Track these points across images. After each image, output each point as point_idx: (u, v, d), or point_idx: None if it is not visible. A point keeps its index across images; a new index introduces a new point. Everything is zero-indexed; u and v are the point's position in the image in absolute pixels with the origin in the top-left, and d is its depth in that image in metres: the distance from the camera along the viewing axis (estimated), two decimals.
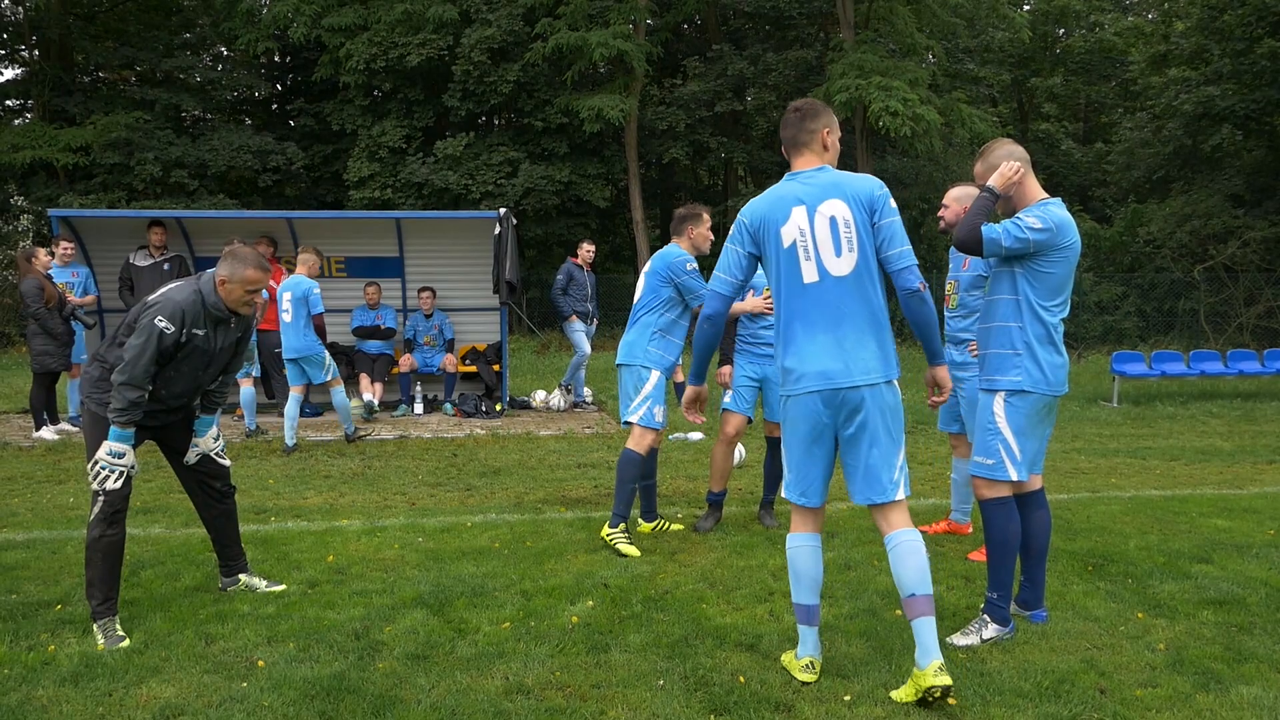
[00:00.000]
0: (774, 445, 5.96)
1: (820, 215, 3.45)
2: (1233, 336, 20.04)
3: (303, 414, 10.63)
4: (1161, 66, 24.22)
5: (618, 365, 5.62)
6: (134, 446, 4.07)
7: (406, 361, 10.92)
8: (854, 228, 3.43)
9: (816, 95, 21.03)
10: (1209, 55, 22.23)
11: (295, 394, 8.72)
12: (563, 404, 11.36)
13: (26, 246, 9.32)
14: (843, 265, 3.44)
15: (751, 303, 5.60)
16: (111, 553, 4.05)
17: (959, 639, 3.93)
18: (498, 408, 10.91)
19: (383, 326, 11.03)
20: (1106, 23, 29.69)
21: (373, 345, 11.00)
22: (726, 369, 5.85)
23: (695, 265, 5.53)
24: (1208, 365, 13.22)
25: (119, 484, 4.01)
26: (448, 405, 10.95)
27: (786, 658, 3.68)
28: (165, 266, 9.93)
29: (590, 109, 20.74)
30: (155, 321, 3.98)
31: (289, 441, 8.57)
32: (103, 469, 3.99)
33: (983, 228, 3.81)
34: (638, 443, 5.45)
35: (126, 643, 3.91)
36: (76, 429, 9.40)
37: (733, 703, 3.36)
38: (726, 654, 3.81)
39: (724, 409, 5.88)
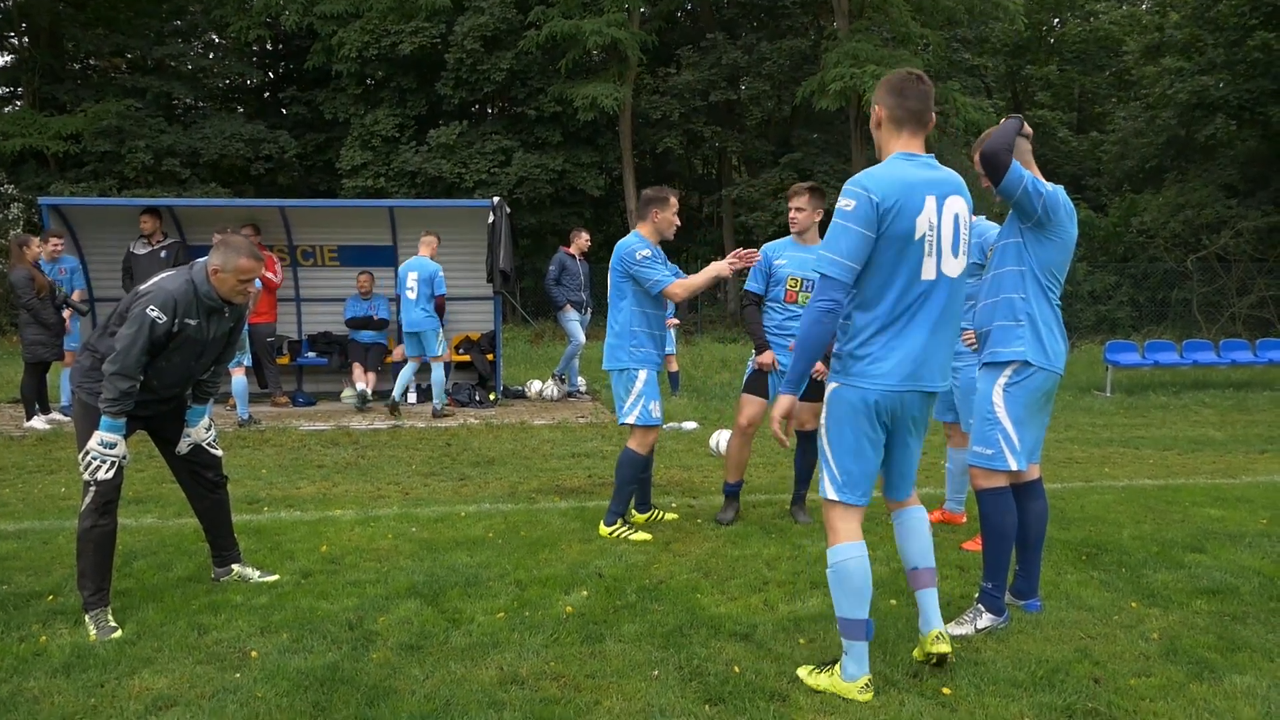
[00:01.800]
0: (805, 438, 5.83)
1: (947, 210, 3.29)
2: (1225, 326, 20.09)
3: (295, 404, 10.63)
4: (1155, 56, 24.22)
5: (605, 370, 5.54)
6: (125, 436, 4.05)
7: (400, 351, 10.89)
8: (968, 230, 3.38)
9: (811, 84, 21.00)
10: (1203, 45, 22.23)
11: (412, 363, 9.88)
12: (555, 393, 11.35)
13: (19, 234, 9.26)
14: (955, 266, 3.33)
15: (717, 267, 5.35)
16: (103, 543, 4.02)
17: (954, 628, 3.92)
18: (491, 397, 10.89)
19: (375, 317, 11.00)
20: (1102, 10, 29.66)
21: (366, 335, 10.96)
22: (769, 355, 5.61)
23: (650, 253, 5.35)
24: (1200, 355, 13.26)
25: (110, 474, 3.99)
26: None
27: (828, 680, 3.38)
28: (163, 254, 9.87)
29: (584, 98, 20.67)
30: (147, 311, 3.95)
31: (395, 396, 9.83)
32: (94, 459, 3.97)
33: (1013, 164, 3.79)
34: (639, 442, 5.42)
35: (118, 633, 3.89)
36: (69, 418, 9.36)
37: (727, 692, 3.36)
38: (721, 644, 3.81)
39: (743, 393, 5.74)
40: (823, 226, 5.74)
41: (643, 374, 5.37)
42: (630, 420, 5.38)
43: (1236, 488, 6.84)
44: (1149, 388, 13.01)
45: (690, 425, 9.48)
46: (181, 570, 4.74)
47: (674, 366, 11.32)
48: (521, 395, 11.57)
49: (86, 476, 3.98)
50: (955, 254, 3.32)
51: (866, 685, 3.33)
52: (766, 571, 4.76)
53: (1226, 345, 13.54)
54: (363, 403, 10.23)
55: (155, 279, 4.12)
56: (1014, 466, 3.94)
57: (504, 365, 13.11)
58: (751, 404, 5.72)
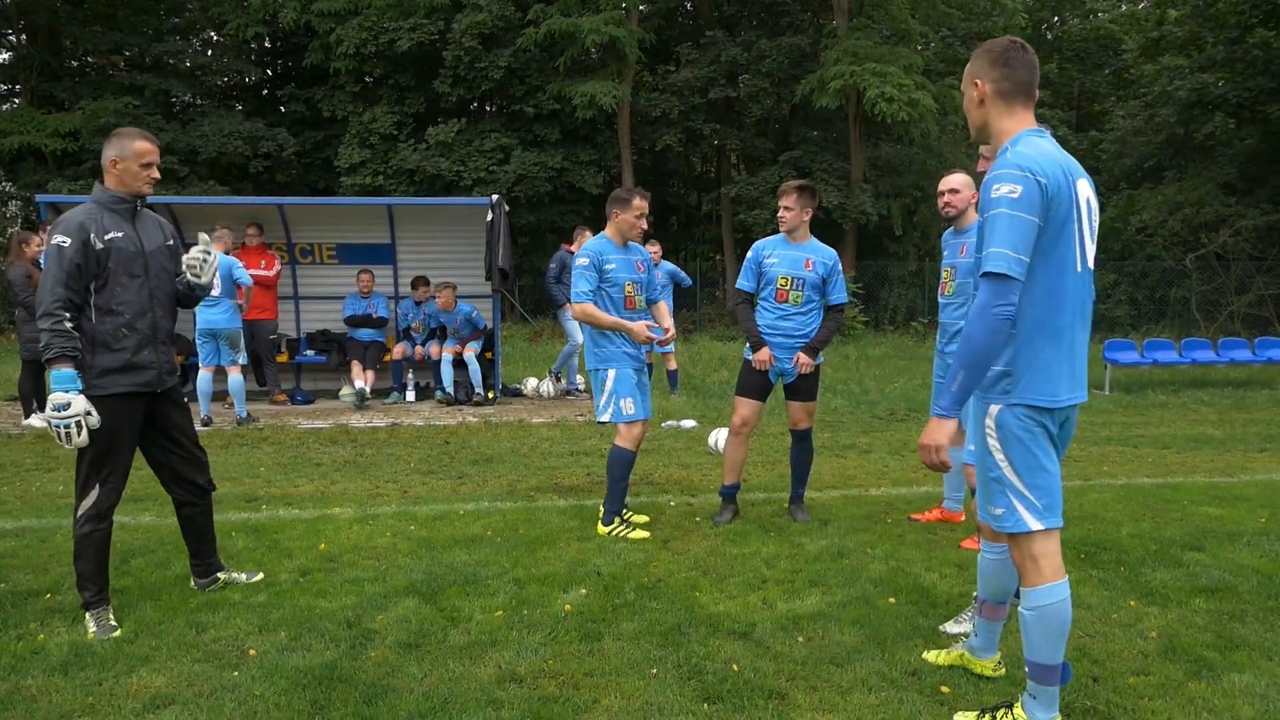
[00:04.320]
0: (798, 437, 5.82)
1: (1082, 193, 2.93)
2: (1224, 325, 20.11)
3: (293, 402, 10.63)
4: (1155, 54, 24.22)
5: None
6: (129, 420, 3.97)
7: (399, 349, 10.88)
8: (1096, 215, 3.02)
9: (810, 82, 20.98)
10: (1202, 43, 22.22)
11: (448, 355, 10.70)
12: (551, 391, 11.35)
13: (20, 232, 9.26)
14: (1091, 256, 2.98)
15: (634, 328, 5.36)
16: (102, 546, 4.01)
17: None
18: (490, 395, 10.89)
19: (374, 315, 10.99)
20: (1101, 9, 29.66)
21: (364, 333, 10.96)
22: (765, 352, 5.55)
23: (588, 261, 5.36)
24: (1199, 353, 13.26)
25: (83, 438, 3.81)
26: (439, 392, 10.93)
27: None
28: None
29: (583, 95, 20.65)
30: (52, 241, 3.88)
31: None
32: (56, 426, 3.78)
33: None
34: (624, 439, 5.44)
35: (118, 632, 3.89)
36: None
37: (726, 691, 3.36)
38: (720, 642, 3.81)
39: (736, 395, 5.71)
40: (814, 225, 5.77)
41: (611, 373, 5.41)
42: (605, 419, 5.45)
43: (1235, 486, 6.84)
44: (1147, 386, 13.01)
45: (689, 423, 9.47)
46: (180, 568, 4.73)
47: (672, 365, 11.31)
48: (519, 393, 11.57)
49: (68, 447, 3.82)
50: (1092, 241, 3.00)
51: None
52: (765, 570, 4.75)
53: (1225, 344, 13.54)
54: (361, 401, 10.22)
55: None
56: None
57: (502, 363, 13.10)
58: (745, 405, 5.69)
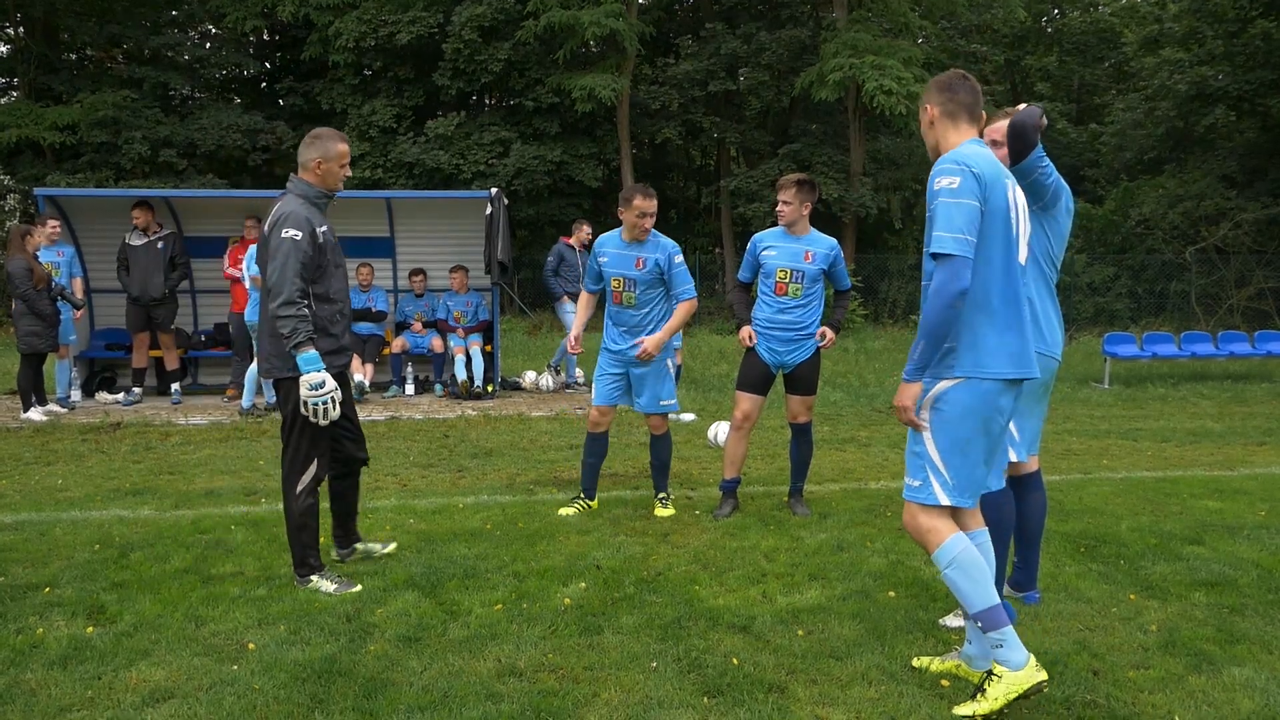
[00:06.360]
0: (798, 431, 5.84)
1: (1017, 196, 3.30)
2: (1223, 318, 20.08)
3: None
4: (1155, 47, 24.18)
5: None
6: (336, 396, 4.15)
7: (399, 343, 10.87)
8: (1028, 221, 3.41)
9: (810, 75, 20.94)
10: (1201, 36, 22.19)
11: (459, 355, 10.67)
12: (551, 384, 11.34)
13: (21, 225, 9.23)
14: (1024, 254, 3.34)
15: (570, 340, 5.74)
16: (318, 513, 4.31)
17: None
18: (489, 389, 10.88)
19: (374, 309, 10.97)
20: (1102, 2, 29.61)
21: (364, 327, 10.93)
22: (745, 330, 5.70)
23: (591, 254, 5.72)
24: (1199, 347, 13.25)
25: (337, 411, 4.10)
26: (438, 386, 10.92)
27: (999, 691, 3.07)
28: (159, 245, 9.82)
29: (582, 88, 20.59)
30: (283, 235, 4.03)
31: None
32: (315, 405, 4.03)
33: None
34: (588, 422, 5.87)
35: (359, 587, 4.26)
36: (65, 410, 9.34)
37: (726, 684, 3.36)
38: (719, 636, 3.81)
39: (737, 390, 5.73)
40: (815, 218, 5.77)
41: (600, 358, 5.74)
42: None
43: (1235, 480, 6.84)
44: (1147, 380, 13.00)
45: (689, 417, 9.46)
46: (179, 562, 4.73)
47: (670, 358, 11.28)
48: (518, 387, 11.56)
49: (322, 422, 4.09)
50: (1024, 243, 3.35)
51: (1036, 664, 3.14)
52: (765, 563, 4.75)
53: (1225, 337, 13.52)
54: (359, 394, 10.21)
55: (273, 211, 4.18)
56: (1014, 457, 3.93)
57: (502, 357, 13.09)
58: (746, 400, 5.70)
